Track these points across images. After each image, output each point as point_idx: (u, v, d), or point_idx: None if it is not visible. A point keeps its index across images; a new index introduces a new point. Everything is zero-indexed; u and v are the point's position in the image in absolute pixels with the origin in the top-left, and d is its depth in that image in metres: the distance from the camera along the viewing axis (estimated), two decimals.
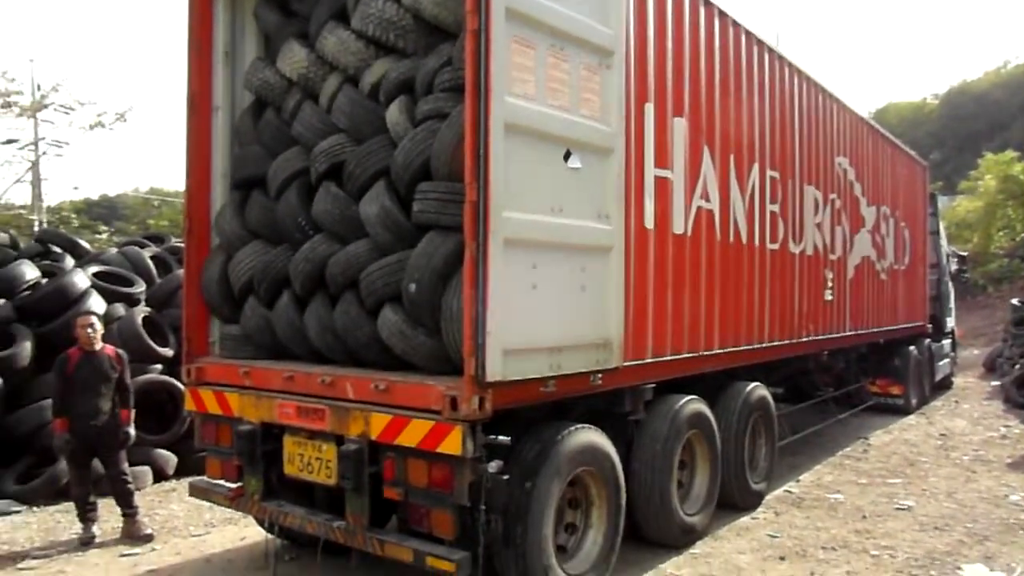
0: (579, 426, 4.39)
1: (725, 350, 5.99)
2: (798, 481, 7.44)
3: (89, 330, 5.80)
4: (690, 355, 5.52)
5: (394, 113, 4.33)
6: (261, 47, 5.32)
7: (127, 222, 29.99)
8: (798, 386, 9.04)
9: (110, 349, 5.96)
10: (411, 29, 4.38)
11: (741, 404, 6.24)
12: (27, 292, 7.71)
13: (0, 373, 6.96)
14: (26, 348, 7.20)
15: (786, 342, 7.09)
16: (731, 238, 6.08)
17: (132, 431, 5.96)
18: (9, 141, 19.46)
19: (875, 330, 9.69)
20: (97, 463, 5.99)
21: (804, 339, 7.50)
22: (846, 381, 10.22)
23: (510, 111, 3.73)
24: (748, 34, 6.32)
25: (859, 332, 9.09)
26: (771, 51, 6.76)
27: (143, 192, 34.43)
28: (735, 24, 6.11)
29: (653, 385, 5.14)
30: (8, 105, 18.92)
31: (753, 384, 6.51)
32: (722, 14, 5.91)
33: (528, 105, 3.87)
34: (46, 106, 19.67)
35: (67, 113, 20.14)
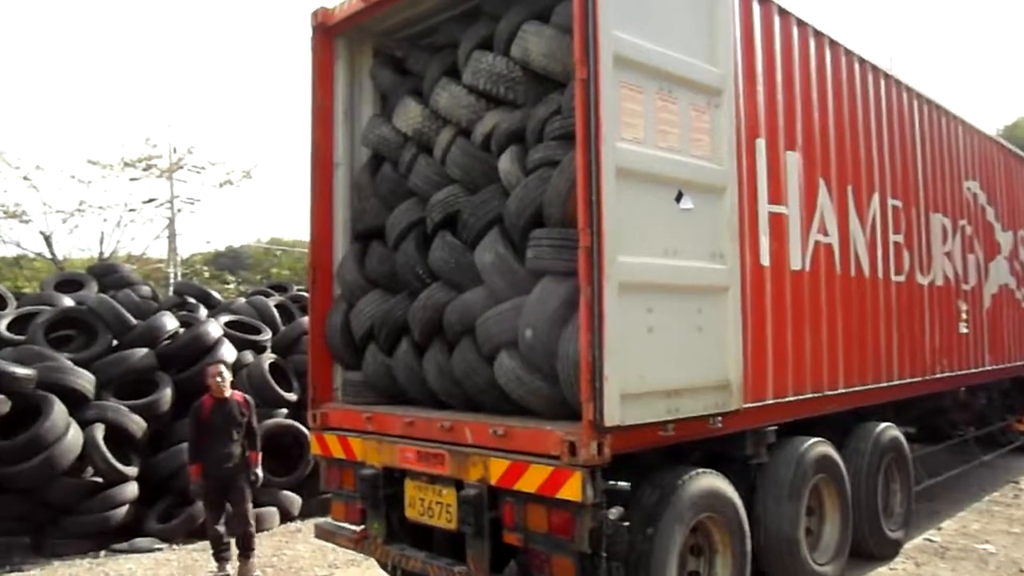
0: (700, 471, 4.29)
1: (851, 389, 5.72)
2: (940, 529, 6.94)
3: (219, 378, 6.11)
4: (814, 395, 5.31)
5: (506, 163, 4.44)
6: (377, 105, 5.60)
7: (251, 271, 31.71)
8: (934, 425, 8.45)
9: (239, 395, 6.26)
10: (521, 81, 4.51)
11: (872, 446, 5.91)
12: (168, 341, 8.27)
13: (144, 418, 7.46)
14: (167, 394, 7.71)
15: (917, 379, 6.69)
16: (852, 272, 5.84)
17: (260, 473, 6.24)
18: (149, 200, 21.10)
19: (1019, 364, 8.99)
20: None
21: (938, 376, 7.06)
22: (989, 420, 9.47)
23: (621, 156, 3.76)
24: (862, 61, 6.13)
25: (1000, 366, 8.47)
26: (887, 76, 6.52)
27: (264, 242, 36.36)
28: (847, 52, 5.94)
29: (775, 427, 4.96)
30: (149, 168, 20.57)
31: (884, 424, 6.16)
32: (833, 43, 5.77)
33: (638, 149, 3.89)
34: (181, 167, 21.26)
35: (199, 173, 21.68)
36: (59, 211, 19.49)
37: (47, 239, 19.55)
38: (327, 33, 5.44)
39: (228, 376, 6.24)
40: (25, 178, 18.78)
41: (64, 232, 20.10)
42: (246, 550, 6.11)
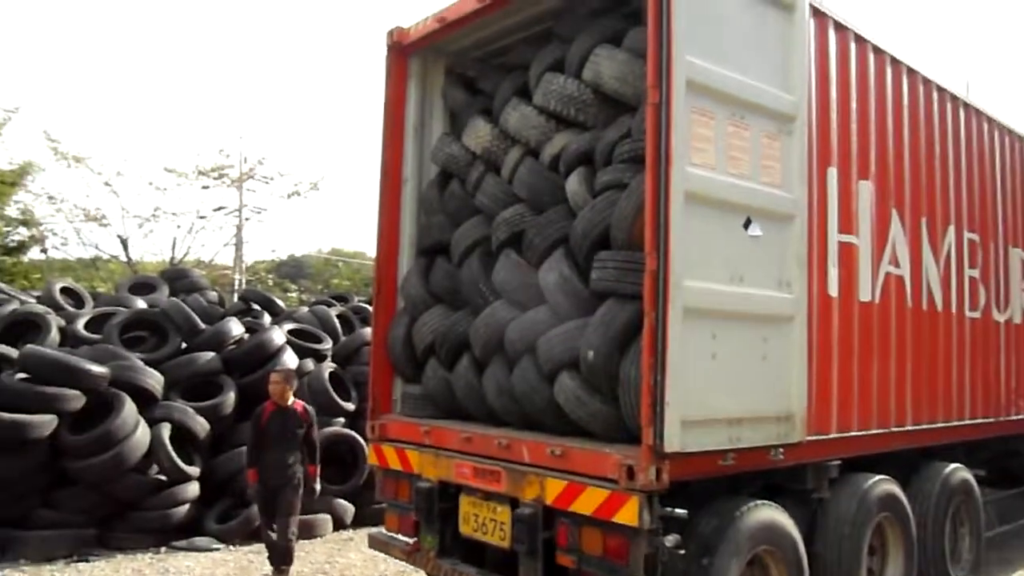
0: (759, 502, 4.21)
1: (919, 427, 5.53)
2: None
3: (280, 386, 6.04)
4: (879, 431, 5.16)
5: (573, 184, 4.48)
6: (447, 123, 5.71)
7: (312, 281, 32.38)
8: (1007, 469, 8.05)
9: (299, 405, 6.19)
10: (591, 103, 4.55)
11: (940, 487, 5.70)
12: (233, 346, 8.51)
13: (207, 420, 7.68)
14: (230, 398, 7.92)
15: (991, 420, 6.44)
16: (924, 306, 5.67)
17: (319, 487, 6.22)
18: (218, 208, 21.81)
19: None
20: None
21: (1013, 417, 6.78)
22: None
23: (690, 181, 3.76)
24: (940, 89, 5.98)
25: None
26: (966, 105, 6.34)
27: (325, 253, 37.14)
28: (925, 80, 5.81)
29: (838, 462, 4.84)
30: (221, 177, 21.29)
31: (953, 466, 5.93)
32: (911, 71, 5.65)
33: (708, 174, 3.89)
34: (252, 177, 21.93)
35: (267, 183, 22.32)
36: (136, 216, 20.29)
37: (124, 242, 20.37)
38: (402, 52, 5.57)
39: (292, 384, 6.20)
40: (106, 183, 19.62)
41: (139, 236, 20.87)
42: (283, 565, 5.98)
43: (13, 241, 16.51)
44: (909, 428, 5.43)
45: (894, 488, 5.19)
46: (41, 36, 62.27)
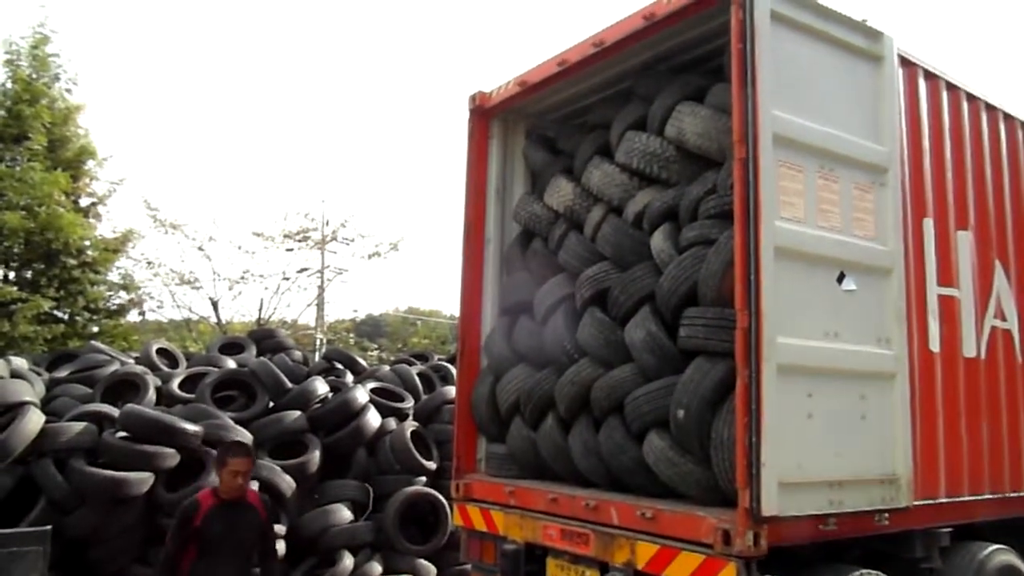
0: (864, 571, 3.98)
1: None
2: None
3: (240, 479, 4.21)
4: (993, 496, 4.83)
5: (658, 240, 4.46)
6: (528, 183, 5.81)
7: (390, 339, 32.92)
8: None
9: (254, 495, 4.49)
10: (674, 160, 4.56)
11: None
12: (318, 405, 8.66)
13: (294, 478, 7.79)
14: (316, 456, 8.02)
15: None
16: None
17: None
18: (302, 270, 22.52)
19: None
20: None
21: None
22: None
23: (780, 235, 3.71)
24: None
25: None
26: None
27: (402, 311, 37.84)
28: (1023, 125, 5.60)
29: (950, 529, 4.54)
30: (304, 239, 22.05)
31: None
32: (1008, 117, 5.45)
33: (798, 228, 3.83)
34: (334, 239, 22.62)
35: (348, 244, 22.96)
36: (226, 279, 21.15)
37: (214, 304, 21.21)
38: (483, 115, 5.73)
39: (252, 467, 4.43)
40: (200, 248, 20.59)
41: (229, 298, 21.64)
42: None
43: (114, 304, 17.36)
44: None
45: (1014, 559, 4.82)
46: (143, 113, 66.92)
